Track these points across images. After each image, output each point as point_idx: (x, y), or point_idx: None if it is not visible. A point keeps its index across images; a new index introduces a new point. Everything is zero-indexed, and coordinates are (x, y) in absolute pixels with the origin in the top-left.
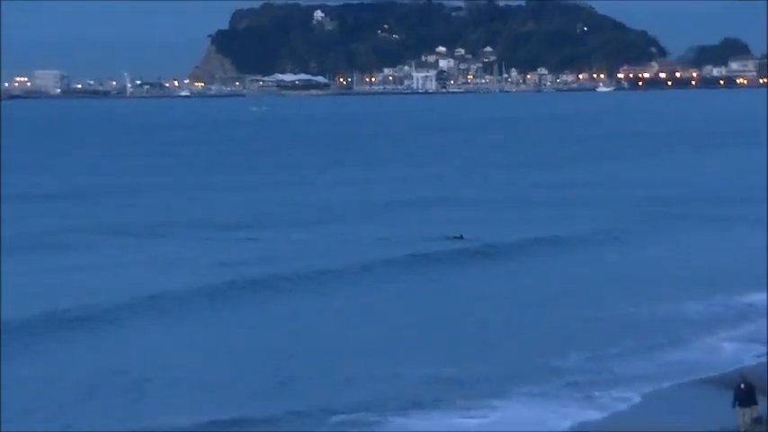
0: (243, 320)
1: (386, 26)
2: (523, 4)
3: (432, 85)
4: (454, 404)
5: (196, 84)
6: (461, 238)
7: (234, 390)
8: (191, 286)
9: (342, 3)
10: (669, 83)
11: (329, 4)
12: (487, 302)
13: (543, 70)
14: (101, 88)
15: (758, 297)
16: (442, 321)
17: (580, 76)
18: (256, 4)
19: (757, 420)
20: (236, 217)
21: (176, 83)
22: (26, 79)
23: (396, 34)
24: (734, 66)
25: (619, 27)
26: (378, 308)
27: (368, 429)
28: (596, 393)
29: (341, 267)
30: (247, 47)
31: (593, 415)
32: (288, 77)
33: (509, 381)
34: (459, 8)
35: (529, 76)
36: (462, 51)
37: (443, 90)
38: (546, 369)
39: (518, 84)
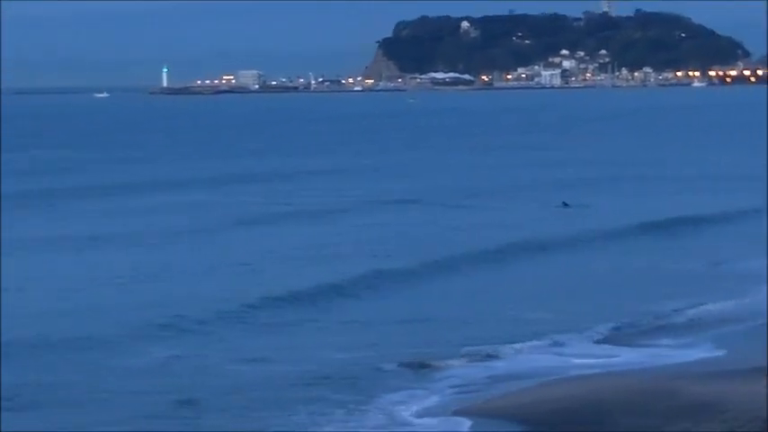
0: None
1: (519, 34)
2: (632, 15)
3: (557, 82)
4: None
5: (366, 81)
6: (567, 206)
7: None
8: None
9: (484, 16)
10: (752, 79)
11: (474, 16)
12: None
13: (648, 69)
14: (290, 84)
15: None
16: None
17: (678, 74)
18: (415, 17)
19: None
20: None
21: (351, 80)
22: (232, 77)
23: (527, 40)
24: None
25: (710, 34)
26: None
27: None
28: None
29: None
30: (408, 51)
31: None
32: (440, 75)
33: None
34: (579, 19)
35: (636, 74)
36: (582, 54)
37: (566, 86)
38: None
39: (627, 80)
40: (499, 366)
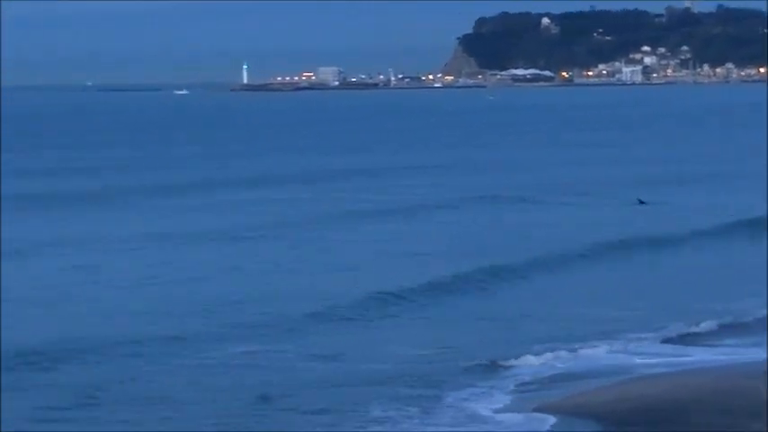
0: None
1: (600, 30)
2: (714, 11)
3: (638, 78)
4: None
5: (446, 77)
6: (643, 203)
7: None
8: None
9: (564, 12)
10: None
11: (554, 12)
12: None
13: (730, 65)
14: (370, 81)
15: None
16: None
17: (761, 70)
18: (495, 13)
19: None
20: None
21: (431, 77)
22: (312, 74)
23: (608, 36)
24: None
25: None
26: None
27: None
28: None
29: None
30: (488, 47)
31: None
32: (520, 72)
33: None
34: (661, 15)
35: (718, 70)
36: (663, 50)
37: (647, 82)
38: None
39: (709, 77)
40: (572, 364)
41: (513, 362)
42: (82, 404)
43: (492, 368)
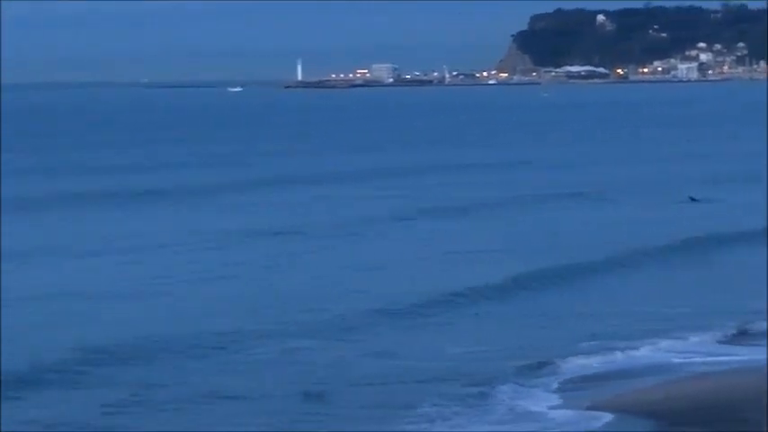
0: None
1: (655, 27)
2: None
3: (693, 75)
4: None
5: (500, 74)
6: (694, 200)
7: None
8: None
9: (620, 9)
10: None
11: (609, 9)
12: None
13: None
14: (424, 78)
15: None
16: None
17: None
18: (550, 10)
19: None
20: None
21: (485, 74)
22: (366, 71)
23: (663, 33)
24: None
25: None
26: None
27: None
28: None
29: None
30: (542, 44)
31: None
32: (575, 69)
33: None
34: (717, 11)
35: None
36: (719, 47)
37: (703, 79)
38: None
39: (765, 73)
40: (623, 363)
41: (564, 360)
42: (137, 401)
43: (543, 366)
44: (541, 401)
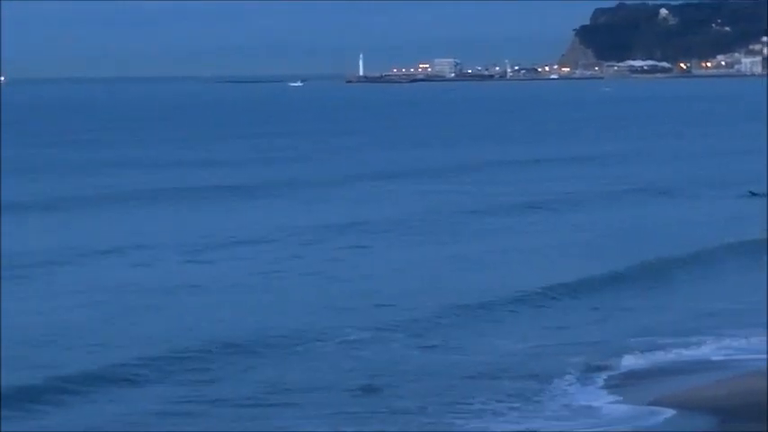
0: None
1: (719, 20)
2: None
3: (758, 69)
4: None
5: (563, 69)
6: (754, 195)
7: None
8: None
9: (683, 2)
10: None
11: (672, 3)
12: None
13: None
14: (486, 73)
15: None
16: None
17: None
18: (612, 4)
19: None
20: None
21: (547, 68)
22: (428, 66)
23: (727, 27)
24: None
25: None
26: None
27: None
28: None
29: None
30: (605, 38)
31: None
32: (637, 63)
33: None
34: None
35: None
36: None
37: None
38: None
39: None
40: (682, 358)
41: (624, 355)
42: (199, 400)
43: (604, 362)
44: (600, 397)
